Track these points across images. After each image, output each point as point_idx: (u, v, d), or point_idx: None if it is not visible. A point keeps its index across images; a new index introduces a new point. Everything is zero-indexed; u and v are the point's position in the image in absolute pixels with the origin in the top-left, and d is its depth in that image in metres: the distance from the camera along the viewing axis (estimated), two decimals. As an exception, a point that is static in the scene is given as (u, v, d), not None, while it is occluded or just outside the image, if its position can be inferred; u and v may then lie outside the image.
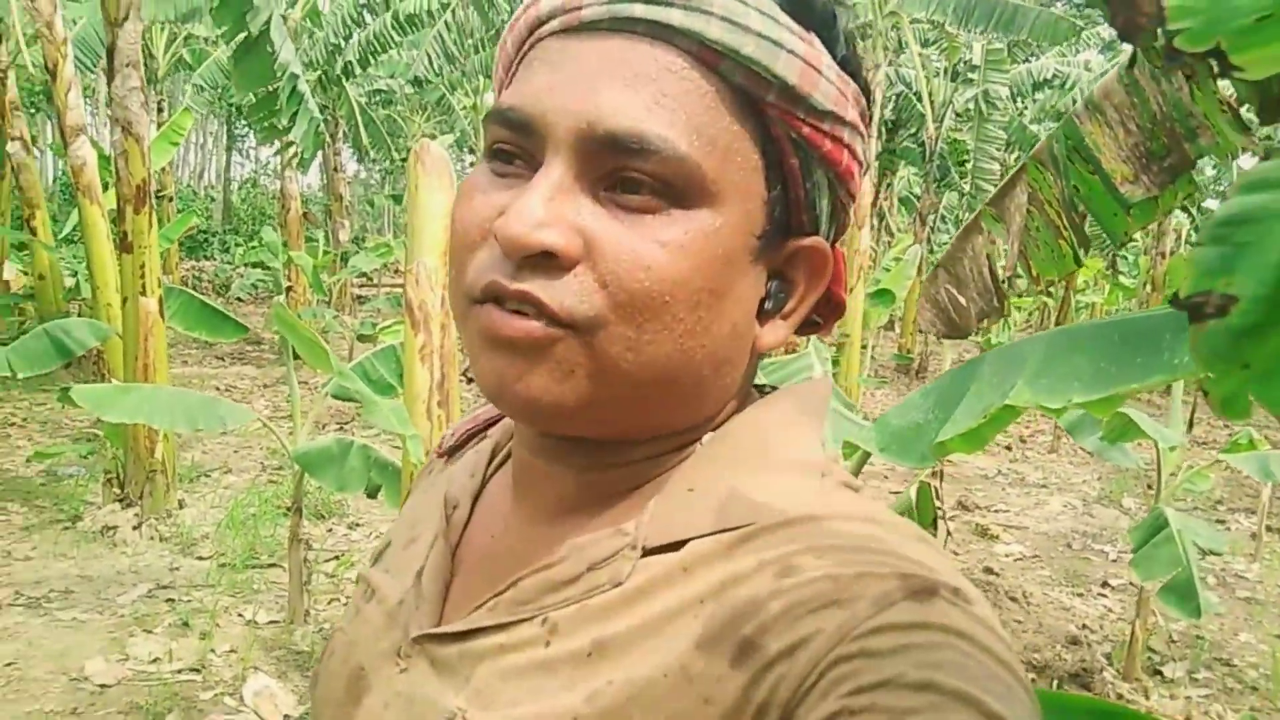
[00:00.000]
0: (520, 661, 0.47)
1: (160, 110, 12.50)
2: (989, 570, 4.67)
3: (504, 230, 0.44)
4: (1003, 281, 1.56)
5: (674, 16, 0.45)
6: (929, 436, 1.67)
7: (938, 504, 2.04)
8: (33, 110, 14.26)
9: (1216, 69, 0.34)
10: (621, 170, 0.45)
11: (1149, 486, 6.58)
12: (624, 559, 0.47)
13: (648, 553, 0.47)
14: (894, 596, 0.41)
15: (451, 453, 0.64)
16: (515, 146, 0.47)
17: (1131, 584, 4.46)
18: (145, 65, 12.61)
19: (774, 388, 0.56)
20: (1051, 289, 11.56)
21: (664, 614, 0.45)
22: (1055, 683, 3.55)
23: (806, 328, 0.57)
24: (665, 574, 0.46)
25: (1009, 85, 11.43)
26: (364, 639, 0.55)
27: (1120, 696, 3.51)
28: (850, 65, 0.50)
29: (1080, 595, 4.58)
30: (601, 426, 0.49)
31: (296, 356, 3.42)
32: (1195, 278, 0.41)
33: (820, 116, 0.48)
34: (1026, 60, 13.12)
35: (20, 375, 4.69)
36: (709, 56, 0.45)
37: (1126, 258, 17.84)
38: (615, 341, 0.45)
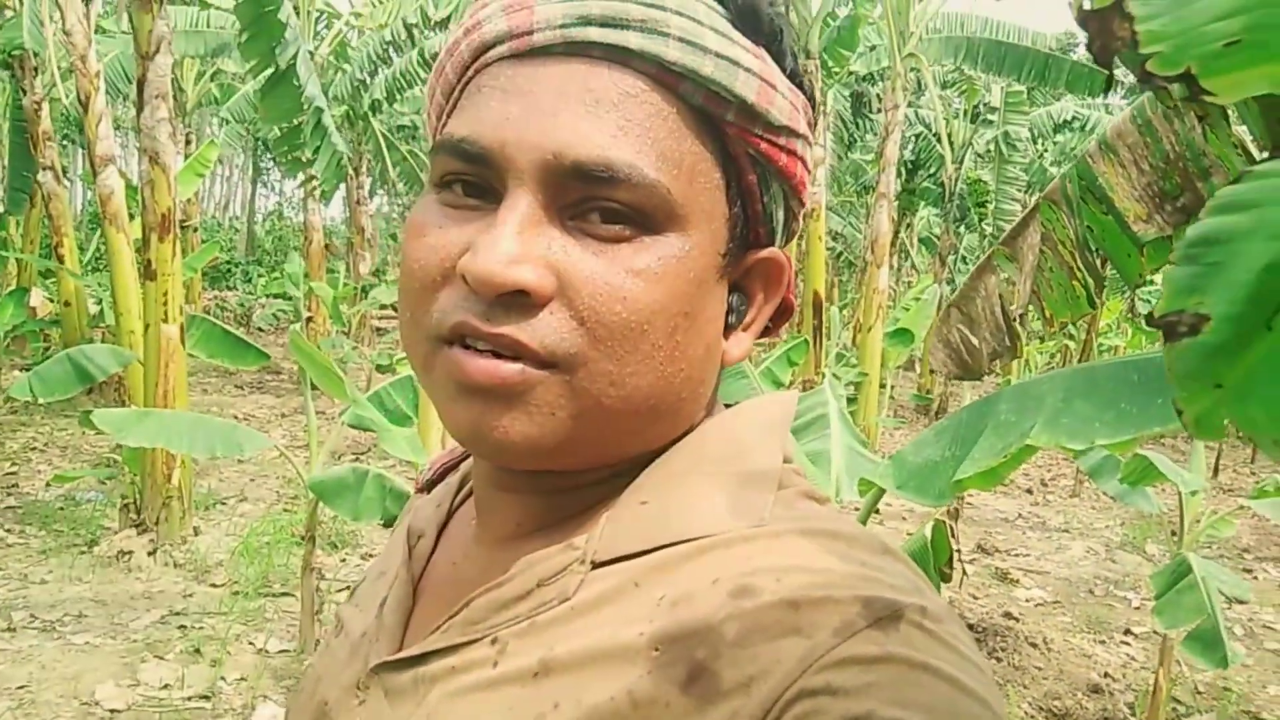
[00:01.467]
0: (469, 682, 0.45)
1: (188, 142, 12.76)
2: (1009, 615, 4.60)
3: (474, 268, 0.42)
4: (1014, 320, 1.55)
5: (631, 40, 0.44)
6: (946, 474, 1.65)
7: (954, 544, 2.02)
8: (65, 141, 14.57)
9: (1187, 93, 0.35)
10: (590, 199, 0.44)
11: (1173, 533, 6.48)
12: (573, 573, 0.46)
13: (597, 566, 0.46)
14: (857, 625, 0.39)
15: (429, 487, 0.63)
16: (471, 178, 0.45)
17: (1155, 632, 4.38)
18: (174, 98, 12.87)
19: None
20: (1073, 330, 11.50)
21: (612, 631, 0.43)
22: (1074, 731, 3.47)
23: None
24: (615, 588, 0.45)
25: (1029, 127, 11.46)
26: (329, 673, 0.55)
27: (1141, 747, 3.43)
28: (797, 77, 0.50)
29: (1102, 642, 4.49)
30: (577, 460, 0.48)
31: (314, 386, 3.45)
32: (1168, 297, 0.41)
33: (776, 131, 0.48)
34: (1046, 103, 13.17)
35: (42, 400, 4.75)
36: (669, 79, 0.45)
37: (1149, 301, 17.73)
38: (597, 379, 0.44)
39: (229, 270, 19.83)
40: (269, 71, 5.00)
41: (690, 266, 0.45)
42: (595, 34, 0.44)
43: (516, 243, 0.42)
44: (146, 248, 4.40)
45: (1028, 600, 5.01)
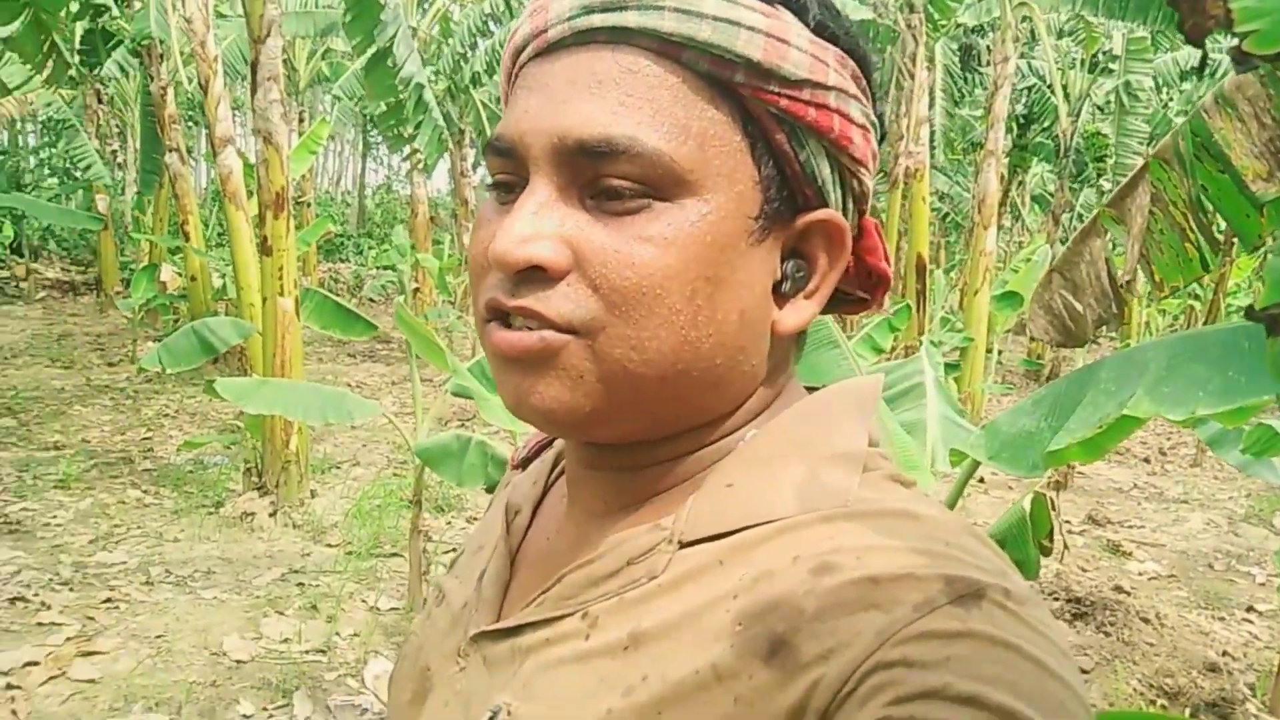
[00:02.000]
0: (562, 654, 0.47)
1: (301, 120, 13.24)
2: (1119, 589, 4.43)
3: (493, 249, 0.45)
4: (1121, 286, 1.48)
5: (629, 19, 0.46)
6: (1040, 444, 1.60)
7: (1054, 516, 1.96)
8: (189, 123, 15.33)
9: None
10: (601, 176, 0.45)
11: (1305, 505, 6.10)
12: (661, 553, 0.48)
13: (684, 546, 0.47)
14: (937, 601, 0.39)
15: (524, 464, 0.65)
16: (508, 174, 0.49)
17: (1281, 609, 4.15)
18: (287, 78, 13.32)
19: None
20: (1199, 290, 10.82)
21: (697, 608, 0.44)
22: (1190, 711, 3.34)
23: (854, 305, 0.57)
24: (700, 567, 0.46)
25: (1153, 75, 10.76)
26: (431, 642, 0.58)
27: (1264, 729, 3.27)
28: (827, 30, 0.49)
29: (1221, 619, 4.28)
30: (626, 428, 0.49)
31: (419, 355, 3.57)
32: (1270, 289, 0.39)
33: (795, 86, 0.47)
34: (1172, 49, 12.35)
35: (170, 370, 5.07)
36: (669, 49, 0.46)
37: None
38: (617, 342, 0.45)
39: (341, 243, 20.55)
40: (371, 50, 5.14)
41: (708, 231, 0.46)
42: (597, 20, 0.46)
43: (530, 223, 0.45)
44: (262, 224, 4.61)
45: (1140, 573, 4.82)
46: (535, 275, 0.46)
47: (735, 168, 0.47)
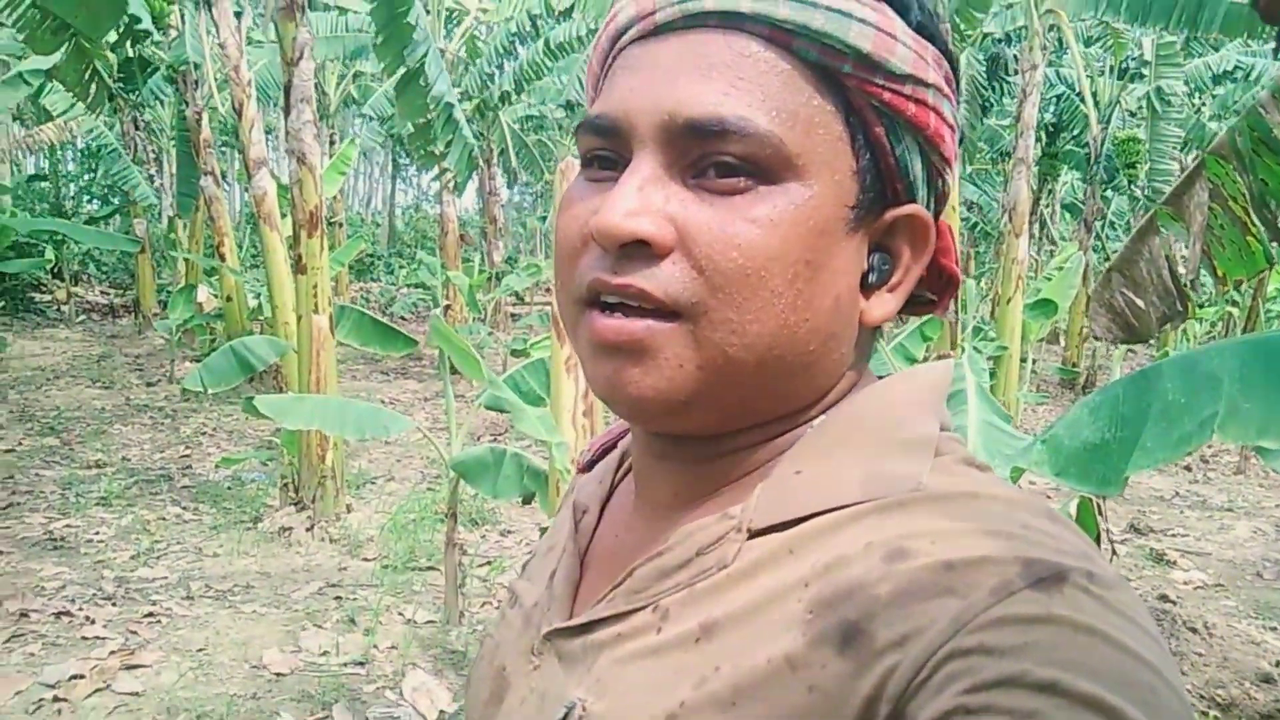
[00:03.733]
0: (635, 648, 0.47)
1: (332, 143, 13.42)
2: (1164, 598, 4.33)
3: (597, 224, 0.45)
4: (1185, 283, 1.45)
5: (743, 4, 0.46)
6: (1112, 461, 1.55)
7: (1102, 522, 1.91)
8: (224, 147, 15.60)
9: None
10: (707, 155, 0.45)
11: (1356, 513, 5.95)
12: (730, 542, 0.47)
13: (754, 535, 0.47)
14: (1015, 585, 0.38)
15: (589, 466, 0.65)
16: (607, 151, 0.48)
17: (1336, 620, 4.04)
18: (318, 101, 13.53)
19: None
20: (1236, 296, 10.65)
21: (769, 596, 0.44)
22: (1245, 724, 3.25)
23: (921, 306, 0.56)
24: (771, 555, 0.45)
25: (1185, 80, 10.63)
26: (506, 642, 0.58)
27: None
28: (927, 30, 0.49)
29: (1274, 629, 4.18)
30: (713, 417, 0.49)
31: (453, 371, 3.59)
32: None
33: (900, 81, 0.47)
34: (1203, 54, 12.19)
35: (211, 390, 5.14)
36: (781, 37, 0.46)
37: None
38: (719, 327, 0.45)
39: (372, 263, 20.77)
40: (401, 71, 5.20)
41: (811, 215, 0.46)
42: (710, 4, 0.46)
43: (636, 198, 0.45)
44: (297, 243, 4.67)
45: (1186, 583, 4.71)
46: (638, 253, 0.45)
47: (837, 156, 0.47)
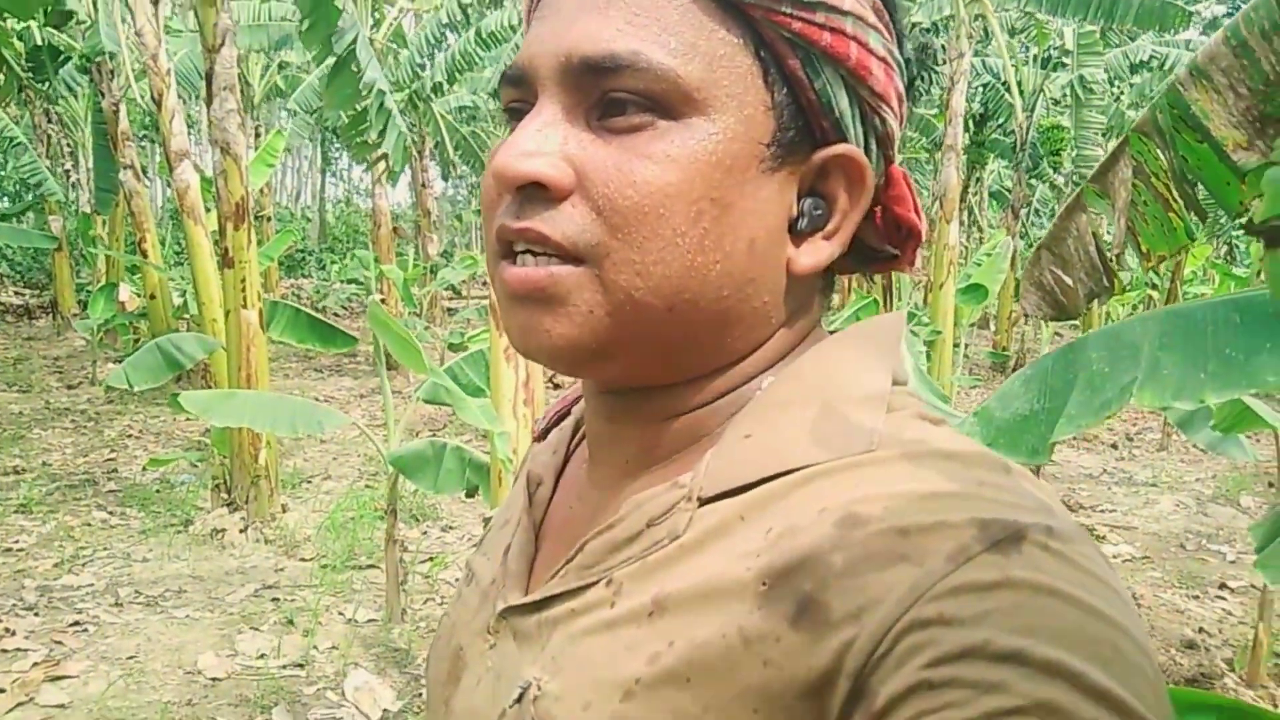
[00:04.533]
0: (588, 624, 0.46)
1: (258, 135, 13.05)
2: (1096, 572, 4.47)
3: (495, 164, 0.45)
4: (1111, 259, 1.49)
5: None
6: (1039, 429, 1.59)
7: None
8: (144, 140, 15.07)
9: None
10: (606, 94, 0.44)
11: (1270, 484, 6.21)
12: (680, 511, 0.45)
13: (704, 502, 0.45)
14: (972, 549, 0.36)
15: (544, 436, 0.64)
16: (521, 99, 0.48)
17: (1253, 586, 4.22)
18: (242, 93, 13.17)
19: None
20: (1155, 279, 11.04)
21: (721, 569, 0.42)
22: (1172, 686, 3.38)
23: (884, 262, 0.54)
24: (721, 524, 0.44)
25: (1104, 69, 10.97)
26: (462, 621, 0.57)
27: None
28: None
29: (1196, 598, 4.35)
30: (637, 365, 0.48)
31: (390, 367, 3.52)
32: (1269, 202, 0.38)
33: (809, 9, 0.45)
34: (1120, 44, 12.58)
35: (136, 388, 4.95)
36: None
37: (1239, 246, 16.92)
38: (622, 269, 0.44)
39: (303, 259, 20.31)
40: (330, 60, 5.07)
41: (715, 151, 0.44)
42: None
43: (533, 140, 0.44)
44: (223, 236, 4.53)
45: (1115, 556, 4.88)
46: (538, 195, 0.45)
47: (745, 90, 0.45)
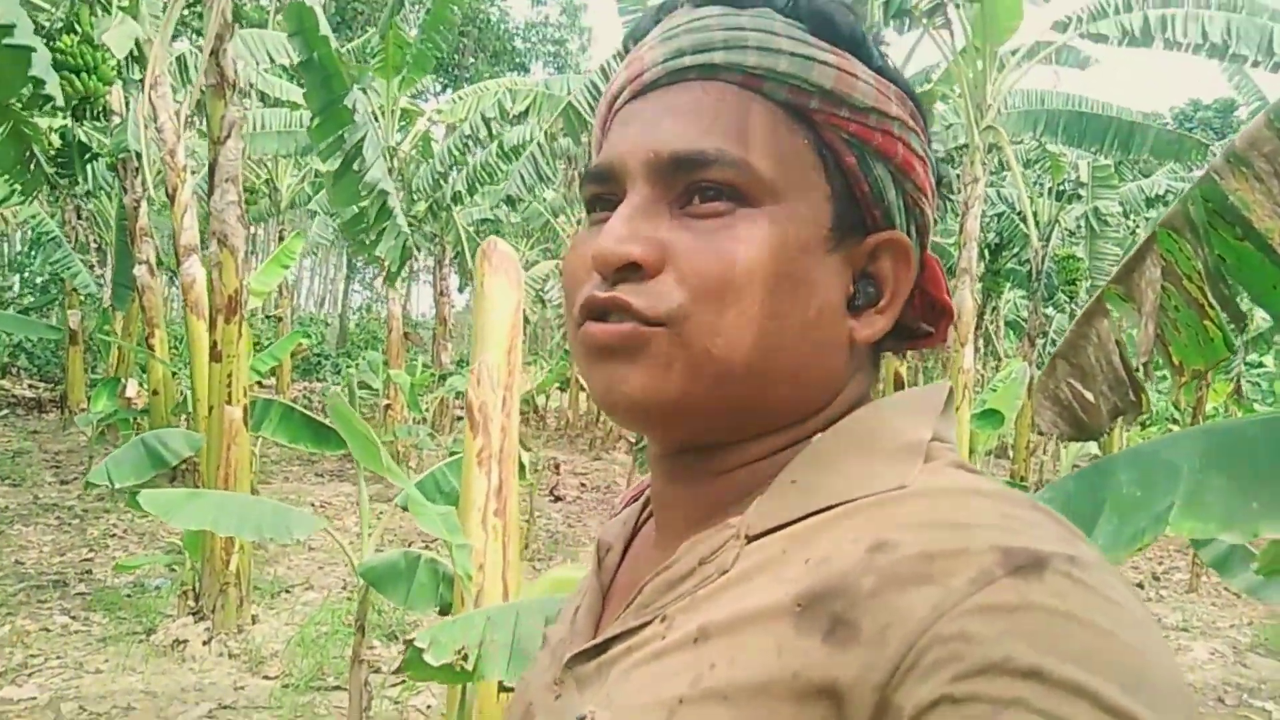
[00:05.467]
0: (641, 657, 0.49)
1: (280, 238, 13.26)
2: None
3: (593, 250, 0.50)
4: (1137, 370, 1.29)
5: (716, 57, 0.52)
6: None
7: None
8: (167, 237, 15.37)
9: None
10: (691, 185, 0.50)
11: (1313, 634, 5.79)
12: (729, 548, 0.49)
13: (750, 539, 0.49)
14: (995, 574, 0.39)
15: (618, 514, 0.69)
16: (605, 194, 0.54)
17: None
18: (268, 197, 13.45)
19: None
20: (1176, 414, 10.76)
21: (762, 596, 0.45)
22: None
23: (920, 340, 0.59)
24: (765, 558, 0.47)
25: (1120, 202, 11.05)
26: (534, 680, 0.60)
27: None
28: (887, 72, 0.54)
29: (1240, 761, 3.94)
30: (710, 422, 0.51)
31: (368, 467, 3.31)
32: None
33: (864, 113, 0.52)
34: (1135, 179, 12.71)
35: (118, 485, 4.75)
36: (752, 81, 0.52)
37: (1258, 383, 16.59)
38: (701, 330, 0.49)
39: (319, 363, 20.41)
40: (338, 157, 5.08)
41: (788, 232, 0.50)
42: (688, 60, 0.53)
43: (627, 227, 0.50)
44: (213, 329, 4.42)
45: (1149, 711, 4.48)
46: (630, 274, 0.49)
47: (811, 182, 0.52)
